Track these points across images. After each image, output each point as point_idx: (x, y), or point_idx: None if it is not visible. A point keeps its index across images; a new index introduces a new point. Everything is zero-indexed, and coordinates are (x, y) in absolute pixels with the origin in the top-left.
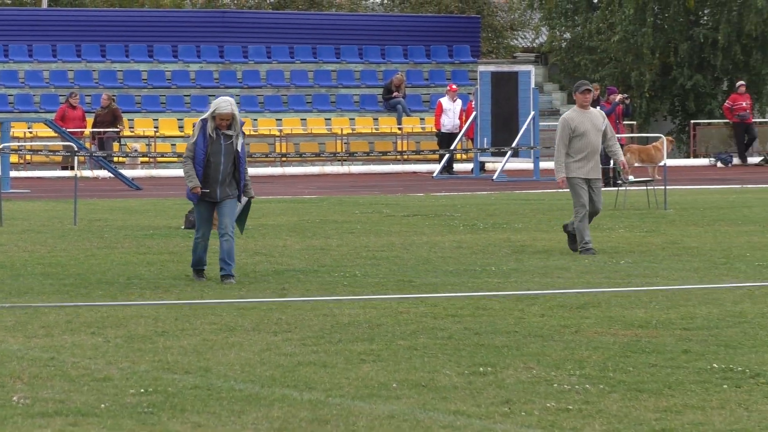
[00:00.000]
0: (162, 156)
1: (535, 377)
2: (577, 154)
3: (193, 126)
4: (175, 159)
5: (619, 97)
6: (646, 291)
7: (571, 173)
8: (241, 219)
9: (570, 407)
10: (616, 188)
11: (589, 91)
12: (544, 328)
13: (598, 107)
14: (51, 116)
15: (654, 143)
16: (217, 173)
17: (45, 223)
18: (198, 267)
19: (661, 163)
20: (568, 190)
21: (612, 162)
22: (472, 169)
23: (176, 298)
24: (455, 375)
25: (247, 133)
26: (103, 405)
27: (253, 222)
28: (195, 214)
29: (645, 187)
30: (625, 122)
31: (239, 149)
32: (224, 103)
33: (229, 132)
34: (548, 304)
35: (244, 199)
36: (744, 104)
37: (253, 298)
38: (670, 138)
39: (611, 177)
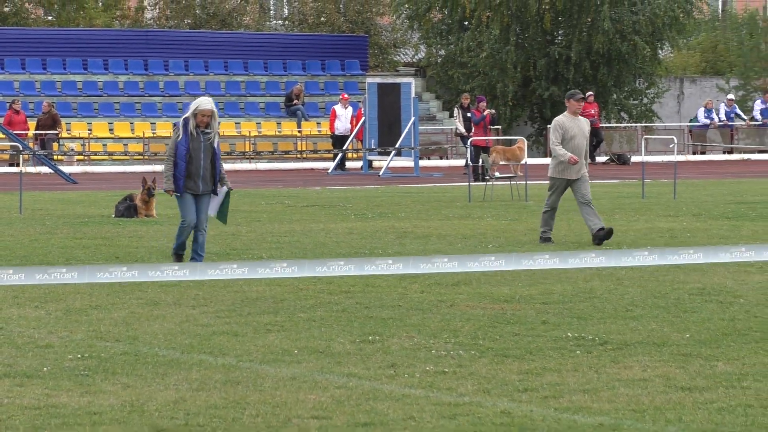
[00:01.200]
0: (95, 154)
1: (416, 345)
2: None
3: (174, 125)
4: (107, 157)
5: (486, 112)
6: (511, 271)
7: (557, 174)
8: (223, 210)
9: (446, 370)
10: (485, 183)
11: (584, 99)
12: (423, 303)
13: (469, 114)
14: (0, 121)
15: (517, 144)
16: (198, 168)
17: None
18: (179, 251)
19: (523, 162)
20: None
21: (481, 160)
22: (362, 167)
23: (109, 276)
24: (348, 343)
25: (166, 135)
26: (45, 368)
27: (172, 212)
28: (180, 204)
29: (509, 182)
30: (491, 127)
31: (216, 146)
32: (205, 100)
33: (208, 130)
34: (427, 282)
35: (223, 190)
36: (592, 111)
37: (174, 277)
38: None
39: (480, 173)
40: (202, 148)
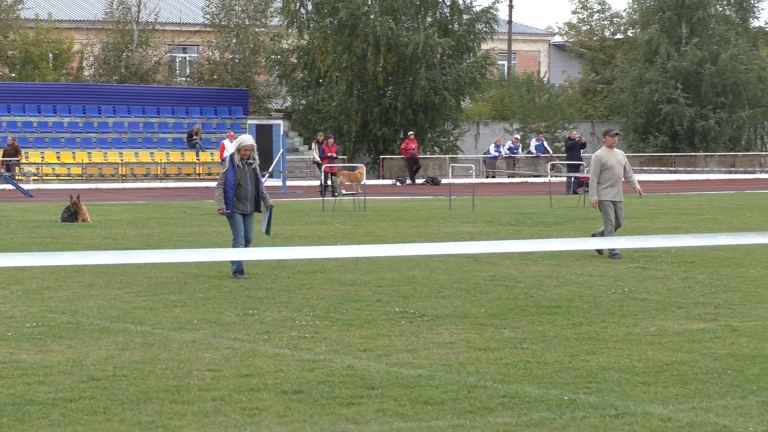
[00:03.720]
0: (46, 176)
1: (285, 317)
2: (605, 182)
3: (223, 159)
4: (55, 177)
5: (331, 154)
6: (354, 260)
7: (602, 197)
8: (268, 224)
9: (306, 336)
10: (334, 198)
11: (618, 135)
12: (290, 286)
13: (320, 147)
14: None
15: (358, 170)
16: (246, 193)
17: None
18: (239, 269)
19: (362, 183)
20: (596, 208)
21: (330, 181)
22: None
23: (56, 264)
24: (234, 315)
25: (99, 161)
26: (9, 333)
27: (103, 218)
28: (231, 225)
29: (352, 198)
30: (339, 157)
31: (258, 173)
32: (246, 137)
33: (251, 161)
34: (293, 270)
35: (268, 209)
36: (413, 146)
37: (109, 260)
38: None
39: (332, 192)
40: (248, 176)
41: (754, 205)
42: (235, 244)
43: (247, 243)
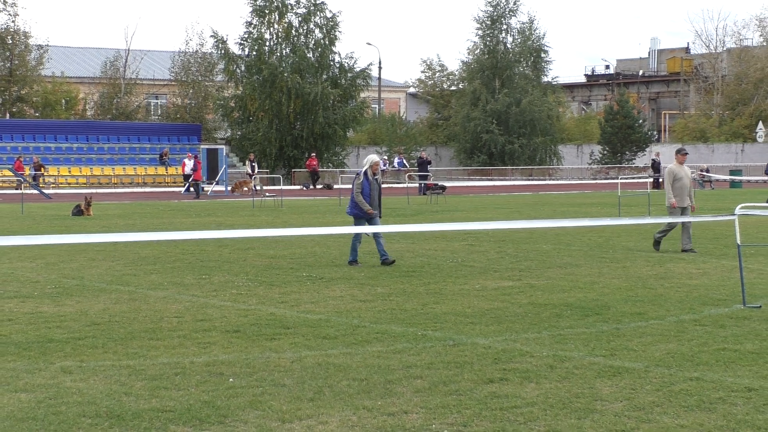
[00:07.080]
0: (61, 184)
1: (228, 280)
2: (675, 191)
3: (357, 174)
4: (66, 185)
5: (253, 173)
6: (274, 241)
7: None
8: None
9: (242, 293)
10: (262, 198)
11: (686, 154)
12: (231, 258)
13: (254, 164)
14: (12, 166)
15: (260, 180)
16: (374, 201)
17: (7, 214)
18: (354, 259)
19: (257, 187)
20: (675, 208)
21: (260, 186)
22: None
23: (68, 244)
24: (193, 279)
25: (98, 174)
26: (35, 293)
27: (101, 213)
28: (355, 225)
29: (273, 198)
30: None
31: (381, 186)
32: (375, 157)
33: (377, 176)
34: (234, 247)
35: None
36: (314, 163)
37: (105, 242)
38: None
39: (256, 190)
40: (376, 188)
41: (545, 202)
42: (355, 242)
43: (379, 236)
